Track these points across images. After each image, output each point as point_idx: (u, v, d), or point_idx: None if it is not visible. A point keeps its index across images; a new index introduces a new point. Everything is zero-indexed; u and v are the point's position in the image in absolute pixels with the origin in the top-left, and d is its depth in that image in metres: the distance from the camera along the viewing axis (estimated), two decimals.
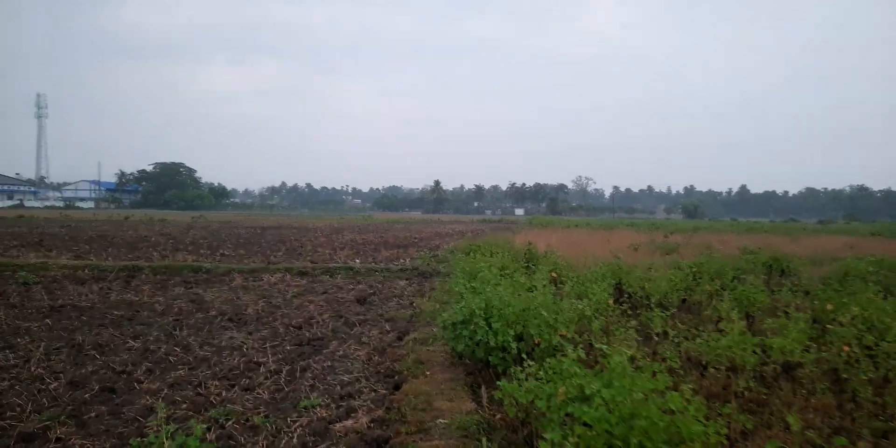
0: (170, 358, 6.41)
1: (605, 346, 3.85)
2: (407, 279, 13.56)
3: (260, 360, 6.34)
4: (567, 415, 3.10)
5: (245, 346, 6.95)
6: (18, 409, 4.70)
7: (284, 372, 5.89)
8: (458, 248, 21.20)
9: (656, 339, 6.23)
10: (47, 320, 8.20)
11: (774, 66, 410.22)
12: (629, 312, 6.99)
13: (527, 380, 3.85)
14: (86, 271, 13.78)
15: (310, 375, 5.78)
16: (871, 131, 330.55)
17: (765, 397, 4.85)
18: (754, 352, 4.71)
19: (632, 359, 3.99)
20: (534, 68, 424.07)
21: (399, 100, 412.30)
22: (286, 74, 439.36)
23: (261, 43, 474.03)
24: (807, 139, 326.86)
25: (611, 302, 7.01)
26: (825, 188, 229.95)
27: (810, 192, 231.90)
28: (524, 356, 4.70)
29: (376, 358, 6.40)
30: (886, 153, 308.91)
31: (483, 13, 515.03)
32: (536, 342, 5.04)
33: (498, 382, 3.96)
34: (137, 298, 10.26)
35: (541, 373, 3.90)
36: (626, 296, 8.84)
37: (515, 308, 5.15)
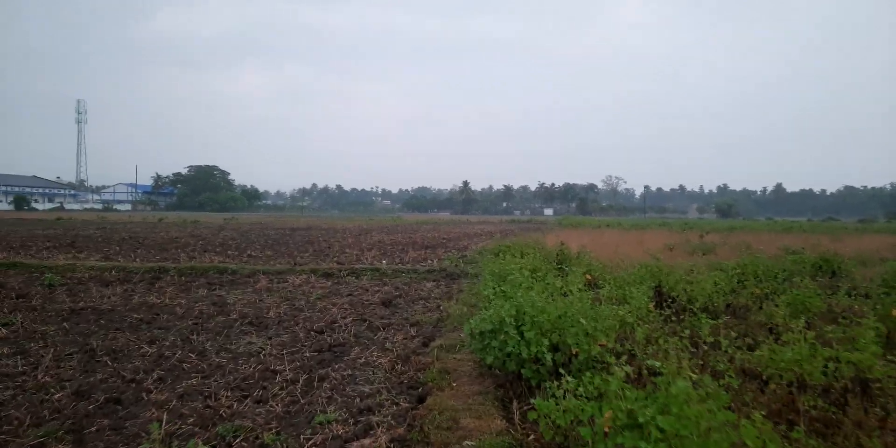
0: (183, 365, 6.10)
1: (656, 363, 3.36)
2: (434, 281, 13.16)
3: (277, 367, 5.99)
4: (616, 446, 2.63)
5: (263, 353, 6.62)
6: (16, 422, 4.41)
7: (301, 381, 5.52)
8: (486, 248, 20.73)
9: (705, 348, 5.69)
10: (65, 324, 8.01)
11: (808, 63, 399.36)
12: (673, 319, 6.46)
13: (564, 397, 3.39)
14: (112, 273, 13.71)
15: (328, 386, 5.40)
16: None
17: (834, 417, 4.30)
18: (825, 366, 4.16)
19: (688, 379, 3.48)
20: (567, 67, 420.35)
21: (428, 100, 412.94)
22: (316, 77, 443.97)
23: (292, 47, 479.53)
24: (845, 136, 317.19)
25: (651, 306, 6.48)
26: (864, 186, 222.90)
27: (849, 191, 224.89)
28: (560, 369, 4.23)
29: (399, 366, 5.98)
30: None
31: (506, 12, 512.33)
32: (574, 353, 4.56)
33: (532, 400, 3.51)
34: (159, 301, 10.05)
35: (580, 389, 3.44)
36: (666, 300, 8.28)
37: (550, 315, 4.68)
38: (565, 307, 4.90)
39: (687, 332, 4.65)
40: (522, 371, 4.52)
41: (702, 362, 5.04)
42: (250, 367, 6.04)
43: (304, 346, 6.96)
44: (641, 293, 6.56)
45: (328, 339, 7.25)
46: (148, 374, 5.75)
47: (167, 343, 7.04)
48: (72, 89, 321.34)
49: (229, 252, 19.08)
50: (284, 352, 6.68)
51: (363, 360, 6.34)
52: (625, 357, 4.28)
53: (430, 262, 16.79)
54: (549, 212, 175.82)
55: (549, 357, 4.42)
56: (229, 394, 5.16)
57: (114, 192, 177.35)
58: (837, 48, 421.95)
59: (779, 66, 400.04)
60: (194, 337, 7.36)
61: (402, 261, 17.11)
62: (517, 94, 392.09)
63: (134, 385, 5.42)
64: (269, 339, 7.33)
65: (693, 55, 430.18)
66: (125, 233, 31.09)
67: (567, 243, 19.56)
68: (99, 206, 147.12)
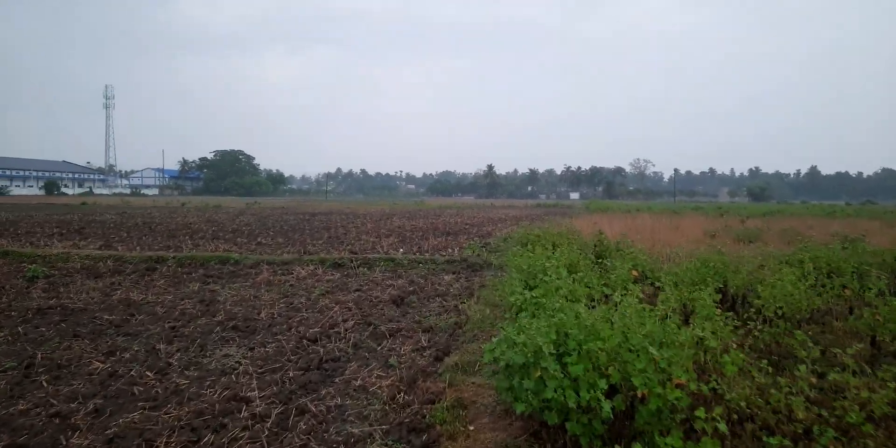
0: (135, 388, 4.89)
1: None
2: (454, 273, 11.83)
3: (249, 393, 4.74)
4: None
5: (238, 370, 5.38)
6: None
7: (273, 417, 4.26)
8: (511, 236, 19.32)
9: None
10: (20, 328, 6.88)
11: (843, 44, 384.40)
12: (756, 334, 5.03)
13: None
14: (107, 263, 12.67)
15: (305, 425, 4.12)
16: None
17: None
18: None
19: None
20: (588, 51, 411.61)
21: (454, 84, 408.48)
22: (342, 62, 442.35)
23: (319, 31, 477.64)
24: (882, 117, 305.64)
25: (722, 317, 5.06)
26: None
27: (887, 173, 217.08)
28: (620, 421, 2.88)
29: (402, 395, 4.68)
30: None
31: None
32: (640, 396, 3.20)
33: None
34: (142, 297, 8.91)
35: None
36: (734, 304, 6.84)
37: (607, 341, 3.31)
38: (624, 327, 3.53)
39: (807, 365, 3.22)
40: (567, 425, 3.18)
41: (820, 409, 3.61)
42: (216, 391, 4.80)
43: (291, 361, 5.70)
44: (709, 296, 5.15)
45: (321, 351, 5.97)
46: (84, 403, 4.54)
47: (127, 355, 5.84)
48: (101, 75, 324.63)
49: (239, 239, 17.99)
50: (264, 369, 5.43)
51: (359, 381, 5.06)
52: (718, 408, 2.92)
53: (450, 250, 15.45)
54: (574, 196, 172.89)
55: (606, 405, 3.06)
56: (174, 437, 3.91)
57: (141, 177, 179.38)
58: (875, 27, 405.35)
59: (813, 46, 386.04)
60: (163, 346, 6.15)
61: (420, 249, 15.82)
62: (545, 78, 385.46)
63: (58, 420, 4.21)
64: (252, 349, 6.09)
65: (726, 34, 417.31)
66: (141, 218, 30.36)
67: (602, 231, 18.09)
68: (127, 191, 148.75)
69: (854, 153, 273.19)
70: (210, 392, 4.80)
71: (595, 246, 8.81)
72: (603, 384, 3.11)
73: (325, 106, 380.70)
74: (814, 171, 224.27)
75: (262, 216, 34.31)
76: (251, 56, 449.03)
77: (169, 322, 7.31)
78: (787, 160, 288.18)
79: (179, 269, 12.14)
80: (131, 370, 5.32)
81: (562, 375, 3.18)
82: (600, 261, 8.27)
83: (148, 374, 5.24)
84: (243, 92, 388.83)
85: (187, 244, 16.20)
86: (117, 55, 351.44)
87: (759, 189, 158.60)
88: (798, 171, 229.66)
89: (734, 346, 4.80)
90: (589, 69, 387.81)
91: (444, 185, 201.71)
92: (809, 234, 20.49)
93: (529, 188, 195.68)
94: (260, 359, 5.74)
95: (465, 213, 43.98)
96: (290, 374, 5.23)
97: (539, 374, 3.21)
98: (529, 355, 3.25)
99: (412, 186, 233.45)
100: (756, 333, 5.03)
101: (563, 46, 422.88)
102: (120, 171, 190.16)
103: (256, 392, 4.75)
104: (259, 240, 17.98)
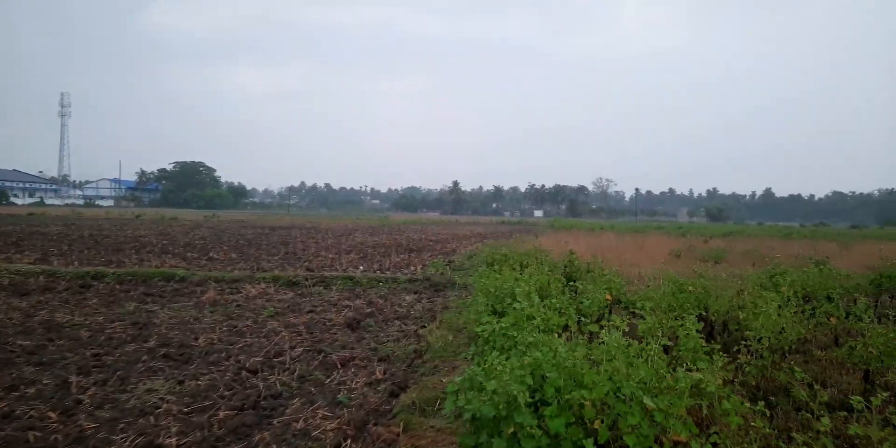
0: (30, 434, 4.11)
1: None
2: (416, 292, 11.20)
3: (166, 440, 4.01)
4: None
5: (160, 410, 4.63)
6: None
7: None
8: (477, 254, 18.79)
9: (806, 415, 3.79)
10: None
11: (797, 68, 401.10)
12: (746, 369, 4.55)
13: None
14: (39, 279, 11.64)
15: None
16: None
17: None
18: None
19: None
20: (554, 69, 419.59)
21: (420, 100, 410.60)
22: (307, 75, 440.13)
23: (284, 44, 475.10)
24: (833, 142, 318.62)
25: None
26: (853, 192, 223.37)
27: (837, 196, 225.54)
28: None
29: (349, 443, 4.01)
30: None
31: (505, 15, 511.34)
32: None
33: None
34: (69, 319, 8.01)
35: None
36: (714, 331, 6.40)
37: (596, 391, 2.74)
38: (612, 370, 2.97)
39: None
40: None
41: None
42: (128, 438, 4.06)
43: (224, 397, 4.97)
44: (692, 325, 4.65)
45: (260, 386, 5.26)
46: None
47: (32, 390, 5.03)
48: (57, 84, 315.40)
49: (189, 254, 17.00)
50: (192, 408, 4.70)
51: (300, 424, 4.38)
52: None
53: (412, 268, 14.83)
54: (538, 213, 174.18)
55: None
56: None
57: (97, 188, 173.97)
58: (828, 53, 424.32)
59: (767, 69, 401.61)
60: (77, 379, 5.34)
61: (381, 267, 15.14)
62: (509, 95, 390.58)
63: None
64: (181, 383, 5.33)
65: (687, 59, 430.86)
66: (89, 230, 28.86)
67: (573, 250, 17.72)
68: (81, 202, 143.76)
69: (806, 177, 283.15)
70: (121, 439, 4.05)
71: (565, 267, 8.31)
72: (590, 445, 2.54)
73: (291, 119, 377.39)
74: (768, 193, 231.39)
75: (219, 230, 33.10)
76: (218, 67, 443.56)
77: (92, 348, 6.47)
78: (743, 182, 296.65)
79: (118, 286, 11.20)
80: (31, 410, 4.53)
81: (540, 432, 2.59)
82: (571, 283, 7.77)
83: (51, 414, 4.46)
84: (208, 104, 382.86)
85: (132, 259, 15.18)
86: (77, 63, 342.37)
87: (717, 210, 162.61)
88: (753, 192, 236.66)
89: (720, 382, 4.31)
90: (554, 89, 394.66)
91: (409, 200, 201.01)
92: (772, 255, 20.58)
93: (494, 205, 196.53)
94: (189, 395, 5.00)
95: (429, 229, 43.42)
96: (221, 415, 4.50)
97: (512, 430, 2.62)
98: (501, 407, 2.66)
99: (377, 202, 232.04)
100: (747, 368, 4.54)
101: (531, 67, 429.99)
102: (74, 181, 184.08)
103: (175, 439, 4.02)
104: (211, 255, 17.04)
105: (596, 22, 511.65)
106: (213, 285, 11.28)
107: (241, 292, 10.72)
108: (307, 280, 11.95)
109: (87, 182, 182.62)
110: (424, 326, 7.83)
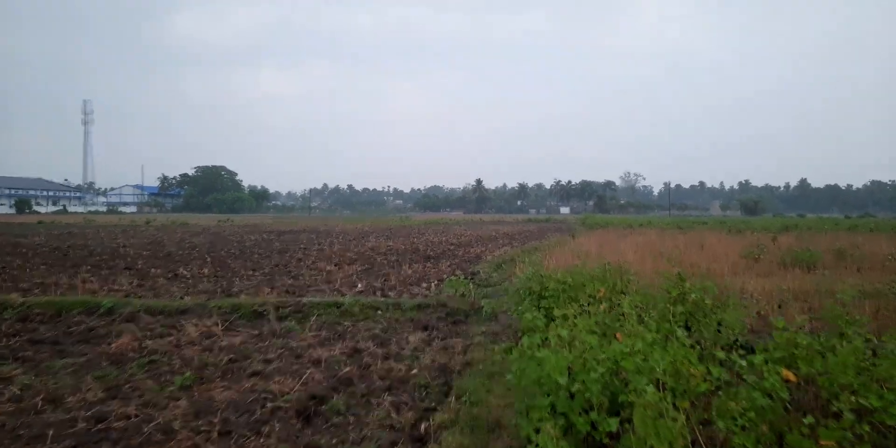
0: None
1: None
2: (425, 328, 7.87)
3: None
4: None
5: None
6: None
7: None
8: (507, 261, 15.43)
9: None
10: None
11: (832, 57, 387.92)
12: None
13: None
14: None
15: None
16: None
17: None
18: None
19: None
20: (578, 64, 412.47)
21: (441, 98, 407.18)
22: (330, 76, 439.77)
23: (308, 47, 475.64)
24: (870, 129, 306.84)
25: None
26: (893, 180, 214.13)
27: (876, 186, 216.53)
28: None
29: None
30: None
31: (528, 10, 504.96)
32: None
33: None
34: None
35: None
36: None
37: None
38: None
39: None
40: None
41: None
42: None
43: None
44: None
45: None
46: None
47: None
48: (81, 91, 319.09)
49: (153, 271, 13.90)
50: None
51: None
52: None
53: (425, 286, 11.51)
54: (565, 210, 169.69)
55: None
56: None
57: (120, 195, 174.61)
58: (861, 42, 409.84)
59: (802, 60, 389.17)
60: None
61: (386, 284, 11.86)
62: (533, 91, 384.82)
63: None
64: None
65: (716, 50, 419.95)
66: (75, 240, 26.20)
67: (608, 250, 14.23)
68: (104, 209, 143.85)
69: (843, 166, 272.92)
70: None
71: (675, 301, 4.79)
72: None
73: (313, 122, 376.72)
74: (804, 184, 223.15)
75: (221, 236, 30.25)
76: (241, 72, 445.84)
77: None
78: (776, 173, 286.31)
79: (18, 325, 8.10)
80: None
81: None
82: (692, 331, 4.38)
83: None
84: (230, 108, 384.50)
85: (76, 280, 12.11)
86: (100, 70, 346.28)
87: (753, 202, 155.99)
88: (787, 183, 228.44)
89: None
90: (578, 84, 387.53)
91: (432, 200, 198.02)
92: (870, 254, 16.89)
93: (519, 202, 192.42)
94: None
95: (451, 230, 40.08)
96: None
97: None
98: None
99: (400, 202, 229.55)
100: None
101: (554, 61, 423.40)
102: (99, 188, 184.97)
103: None
104: (180, 270, 13.93)
105: (618, 14, 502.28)
106: (142, 322, 8.10)
107: (178, 331, 7.52)
108: (278, 310, 8.69)
109: (112, 189, 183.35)
110: (430, 413, 4.51)
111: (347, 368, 5.81)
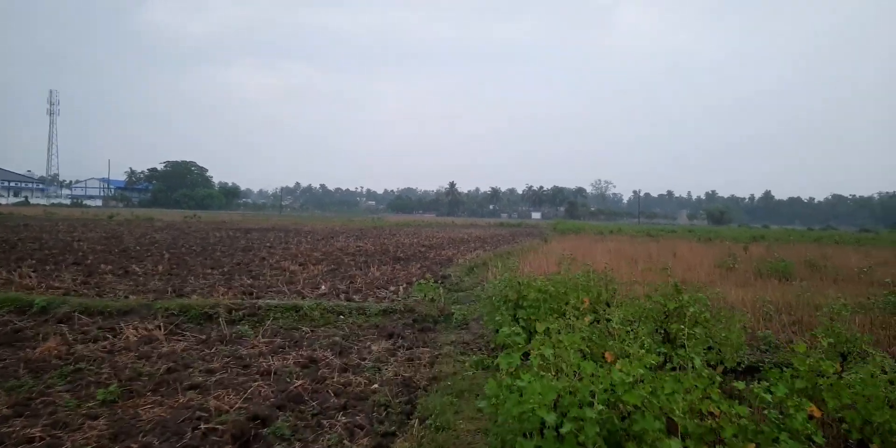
0: None
1: None
2: (390, 336, 7.26)
3: None
4: None
5: None
6: None
7: None
8: (479, 265, 14.90)
9: None
10: None
11: (797, 72, 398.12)
12: None
13: None
14: None
15: None
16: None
17: None
18: None
19: None
20: (552, 71, 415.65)
21: (416, 102, 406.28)
22: (304, 77, 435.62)
23: (286, 46, 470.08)
24: (832, 144, 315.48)
25: None
26: (853, 195, 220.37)
27: (837, 199, 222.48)
28: None
29: None
30: None
31: (508, 19, 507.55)
32: None
33: None
34: None
35: None
36: None
37: None
38: None
39: None
40: None
41: None
42: None
43: None
44: None
45: None
46: None
47: None
48: (47, 81, 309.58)
49: (103, 266, 13.00)
50: None
51: None
52: None
53: (393, 289, 10.89)
54: (536, 215, 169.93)
55: None
56: None
57: (85, 188, 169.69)
58: (827, 58, 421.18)
59: (767, 74, 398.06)
60: None
61: (352, 286, 11.21)
62: (506, 97, 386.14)
63: None
64: None
65: (683, 61, 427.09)
66: (32, 232, 24.88)
67: (579, 254, 13.80)
68: (67, 202, 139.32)
69: (805, 180, 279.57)
70: None
71: (665, 317, 4.30)
72: None
73: (287, 120, 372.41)
74: (768, 196, 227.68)
75: (186, 232, 29.11)
76: (214, 68, 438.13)
77: None
78: (741, 185, 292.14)
79: None
80: None
81: None
82: (673, 348, 3.88)
83: None
84: (202, 104, 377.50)
85: (14, 274, 11.18)
86: (67, 61, 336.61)
87: (719, 212, 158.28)
88: (752, 195, 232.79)
89: None
90: (552, 91, 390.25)
91: (405, 201, 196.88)
92: (838, 266, 16.80)
93: (491, 206, 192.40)
94: None
95: (423, 231, 39.44)
96: None
97: None
98: None
99: (373, 203, 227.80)
100: None
101: (528, 67, 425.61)
102: (64, 180, 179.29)
103: None
104: (133, 267, 13.05)
105: (593, 24, 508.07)
106: (76, 323, 7.33)
107: (109, 338, 6.77)
108: (231, 313, 7.98)
109: (77, 181, 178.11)
110: (390, 440, 3.91)
111: (300, 382, 5.18)
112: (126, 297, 8.93)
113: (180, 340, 6.72)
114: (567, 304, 4.42)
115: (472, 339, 7.02)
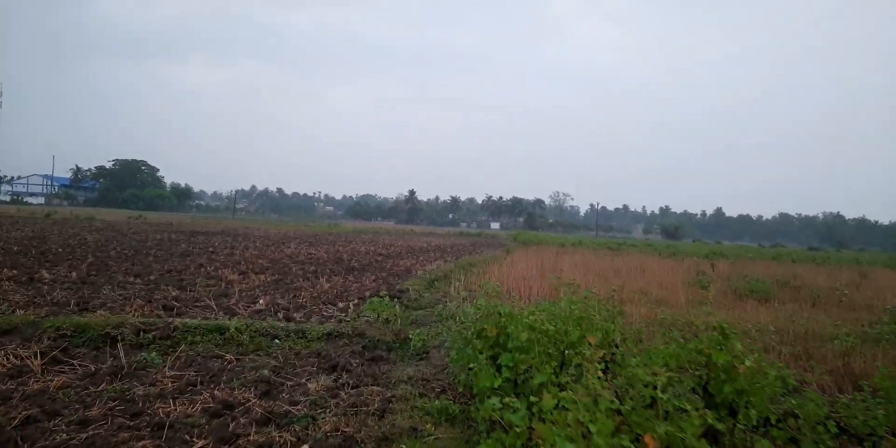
0: None
1: None
2: (333, 369, 5.95)
3: None
4: None
5: None
6: None
7: None
8: (442, 277, 13.68)
9: None
10: None
11: (747, 90, 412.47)
12: None
13: None
14: None
15: None
16: (844, 157, 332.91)
17: None
18: None
19: None
20: (514, 80, 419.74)
21: (376, 107, 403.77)
22: (263, 76, 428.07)
23: (241, 44, 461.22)
24: (779, 163, 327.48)
25: None
26: (798, 214, 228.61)
27: (784, 218, 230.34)
28: None
29: None
30: (859, 181, 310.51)
31: (468, 23, 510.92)
32: None
33: None
34: None
35: None
36: None
37: None
38: None
39: None
40: None
41: None
42: None
43: None
44: None
45: None
46: None
47: None
48: None
49: (6, 271, 11.23)
50: None
51: None
52: None
53: (343, 305, 9.55)
54: (495, 225, 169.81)
55: None
56: None
57: (27, 184, 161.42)
58: (779, 76, 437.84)
59: (718, 91, 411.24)
60: None
61: (295, 300, 9.82)
62: (467, 105, 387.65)
63: None
64: None
65: (637, 78, 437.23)
66: None
67: (541, 267, 12.73)
68: (6, 198, 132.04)
69: (755, 198, 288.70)
70: None
71: (708, 371, 3.18)
72: None
73: (243, 122, 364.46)
74: (719, 213, 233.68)
75: (123, 233, 27.00)
76: (170, 64, 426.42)
77: None
78: (693, 200, 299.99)
79: None
80: None
81: None
82: (718, 416, 2.75)
83: None
84: (156, 101, 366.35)
85: None
86: (10, 54, 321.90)
87: (674, 227, 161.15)
88: (704, 211, 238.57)
89: None
90: (511, 101, 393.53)
91: (363, 208, 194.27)
92: (813, 285, 16.21)
93: (451, 215, 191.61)
94: None
95: (381, 239, 37.98)
96: None
97: None
98: None
99: (331, 208, 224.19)
100: None
101: (490, 73, 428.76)
102: (3, 176, 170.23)
103: None
104: (42, 272, 11.32)
105: (551, 34, 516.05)
106: None
107: None
108: (140, 335, 6.52)
109: (18, 178, 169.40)
110: None
111: (201, 442, 3.83)
112: (13, 312, 7.34)
113: (61, 373, 5.27)
114: (571, 346, 3.26)
115: (432, 373, 5.78)
